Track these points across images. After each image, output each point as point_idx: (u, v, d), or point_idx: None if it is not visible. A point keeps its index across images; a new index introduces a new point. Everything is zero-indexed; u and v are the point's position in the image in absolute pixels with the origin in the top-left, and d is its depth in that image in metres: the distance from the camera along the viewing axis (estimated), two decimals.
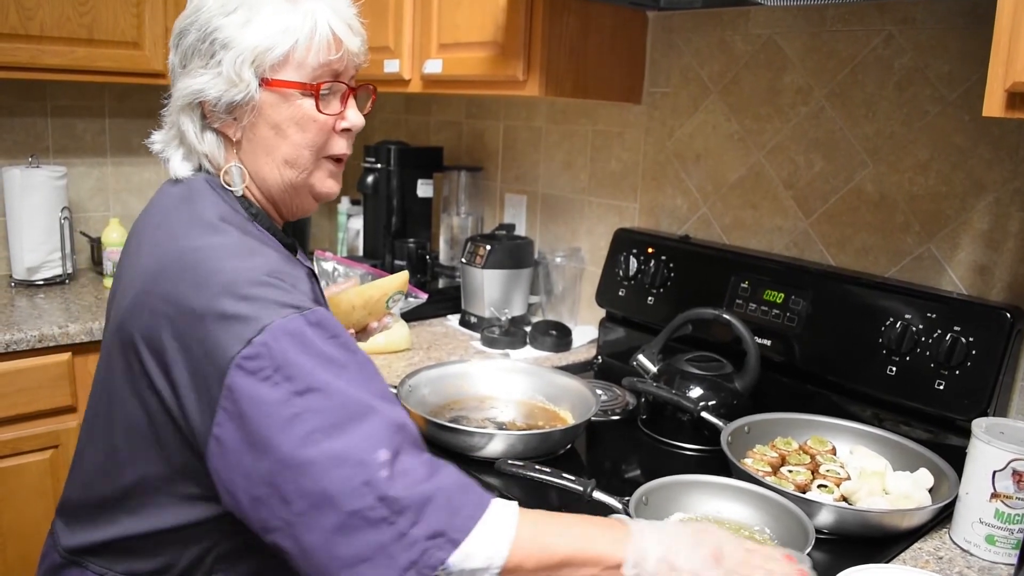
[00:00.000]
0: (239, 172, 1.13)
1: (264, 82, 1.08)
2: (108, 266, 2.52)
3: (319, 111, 1.12)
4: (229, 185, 1.13)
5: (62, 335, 2.11)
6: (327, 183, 1.20)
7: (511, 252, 2.30)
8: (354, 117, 1.18)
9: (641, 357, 1.81)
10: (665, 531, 1.01)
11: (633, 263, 2.06)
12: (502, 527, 0.94)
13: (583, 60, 2.00)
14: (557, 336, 2.22)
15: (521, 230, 2.59)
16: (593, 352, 2.24)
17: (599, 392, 1.85)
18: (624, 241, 2.12)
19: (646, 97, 2.18)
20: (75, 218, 2.69)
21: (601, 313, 2.23)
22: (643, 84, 2.18)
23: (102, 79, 2.42)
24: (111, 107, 2.79)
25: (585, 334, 2.31)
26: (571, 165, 2.42)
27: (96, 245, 2.72)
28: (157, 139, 1.18)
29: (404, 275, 1.64)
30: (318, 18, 1.09)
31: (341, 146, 1.18)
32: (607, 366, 2.14)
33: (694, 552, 0.98)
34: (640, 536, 0.99)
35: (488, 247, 2.28)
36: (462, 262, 2.35)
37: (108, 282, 2.51)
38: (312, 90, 1.11)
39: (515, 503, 0.98)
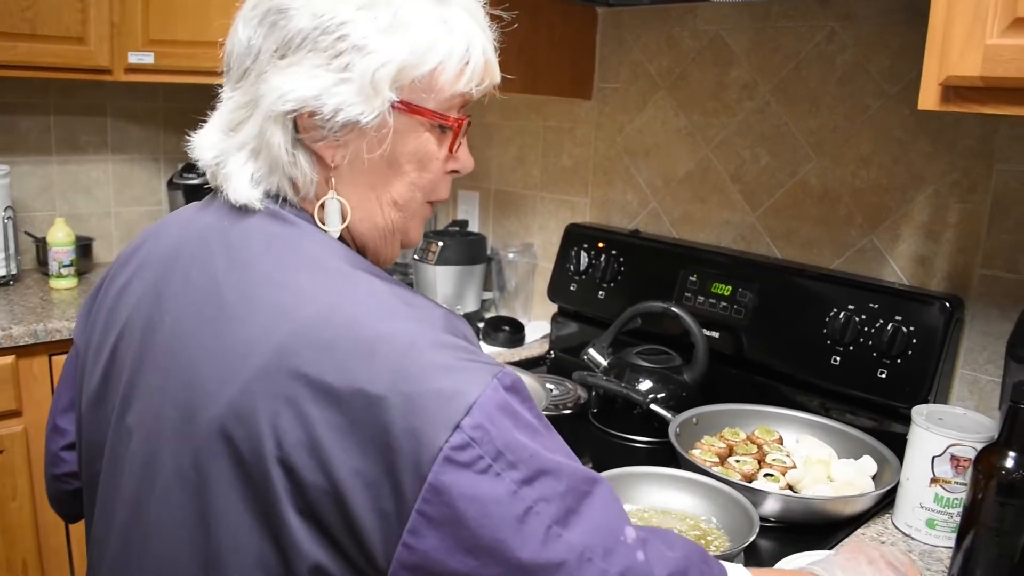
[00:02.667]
0: (339, 208, 0.89)
1: (401, 104, 0.86)
2: (54, 266, 2.47)
3: (450, 149, 0.93)
4: (323, 224, 0.89)
5: (5, 337, 2.07)
6: (420, 229, 0.98)
7: (464, 248, 2.31)
8: (467, 160, 0.97)
9: (591, 351, 1.82)
10: (849, 568, 0.99)
11: (584, 258, 2.07)
12: None
13: (533, 56, 2.01)
14: (510, 332, 2.23)
15: (474, 226, 2.59)
16: (546, 347, 2.24)
17: (550, 387, 1.86)
18: (575, 236, 2.13)
19: (596, 93, 2.19)
20: (19, 218, 2.64)
21: (554, 308, 2.24)
22: (593, 80, 2.19)
23: (46, 75, 2.38)
24: (56, 104, 2.74)
25: (538, 329, 2.32)
26: (523, 161, 2.43)
27: (41, 245, 2.68)
28: (208, 143, 0.91)
29: None
30: (472, 40, 0.88)
31: (446, 190, 0.97)
32: (560, 361, 2.15)
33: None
34: None
35: (440, 243, 2.28)
36: (414, 259, 2.35)
37: (55, 283, 2.47)
38: (453, 124, 0.90)
39: (740, 567, 0.91)
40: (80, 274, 2.57)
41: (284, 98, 0.83)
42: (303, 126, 0.85)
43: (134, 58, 2.39)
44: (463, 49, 0.87)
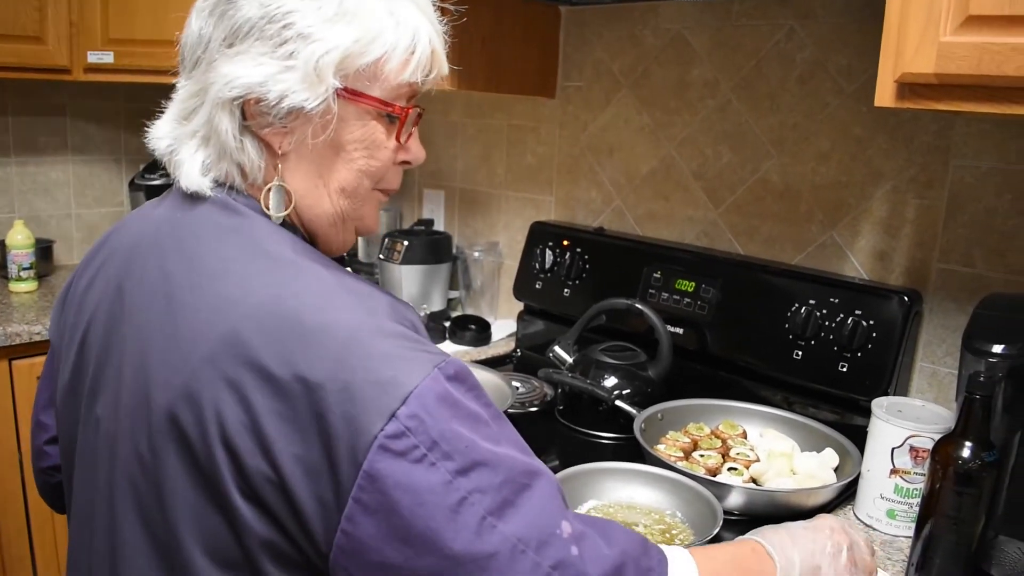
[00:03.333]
0: (282, 194, 0.90)
1: (345, 92, 0.87)
2: (13, 270, 2.44)
3: (397, 139, 0.94)
4: (268, 209, 0.90)
5: None
6: (375, 216, 1.00)
7: (429, 247, 2.30)
8: (417, 151, 0.99)
9: (557, 348, 1.82)
10: (793, 534, 1.00)
11: (549, 256, 2.08)
12: None
13: (497, 54, 2.01)
14: (476, 330, 2.23)
15: (440, 225, 2.59)
16: (512, 345, 2.25)
17: (516, 384, 1.86)
18: (540, 234, 2.14)
19: (560, 91, 2.20)
20: None
21: (520, 306, 2.24)
22: (557, 78, 2.20)
23: (3, 75, 2.34)
24: (14, 104, 2.70)
25: (505, 328, 2.33)
26: (488, 159, 2.43)
27: (0, 248, 2.64)
28: (162, 133, 0.93)
29: None
30: (419, 31, 0.90)
31: (397, 180, 1.00)
32: (526, 359, 2.16)
33: (821, 547, 0.99)
34: (781, 549, 0.97)
35: (406, 243, 2.28)
36: (380, 258, 2.34)
37: (15, 286, 2.44)
38: (399, 113, 0.92)
39: (680, 549, 0.90)
40: (40, 277, 2.54)
41: (231, 85, 0.85)
42: (250, 112, 0.86)
43: (93, 57, 2.36)
44: (409, 39, 0.89)
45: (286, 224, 0.91)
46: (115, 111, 2.89)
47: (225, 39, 0.87)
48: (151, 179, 2.66)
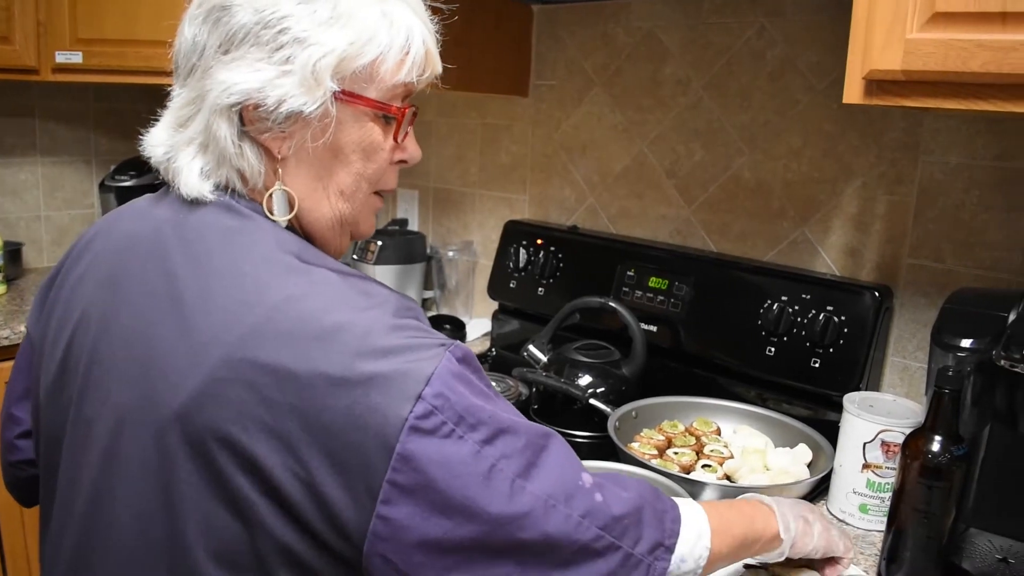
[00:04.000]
0: (285, 199, 0.91)
1: (343, 95, 0.88)
2: None
3: (394, 139, 0.95)
4: (271, 213, 0.90)
5: None
6: (371, 219, 1.01)
7: (403, 247, 2.30)
8: (414, 150, 1.00)
9: (531, 347, 1.82)
10: (783, 500, 1.11)
11: (523, 255, 2.08)
12: (699, 524, 0.93)
13: (470, 53, 2.01)
14: (451, 330, 2.23)
15: (414, 225, 2.58)
16: (487, 345, 2.25)
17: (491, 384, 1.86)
18: (514, 233, 2.13)
19: (533, 90, 2.20)
20: None
21: (495, 306, 2.24)
22: (529, 77, 2.19)
23: None
24: None
25: (480, 327, 2.32)
26: (462, 158, 2.43)
27: None
28: (158, 140, 0.92)
29: None
30: (413, 32, 0.91)
31: (393, 180, 1.01)
32: (501, 358, 2.16)
33: (806, 506, 1.13)
34: (779, 506, 1.08)
35: (380, 243, 2.27)
36: (353, 258, 2.33)
37: None
38: (396, 113, 0.93)
39: (688, 499, 0.99)
40: (9, 280, 2.50)
41: (228, 91, 0.85)
42: (248, 118, 0.87)
43: (61, 57, 2.33)
44: (403, 40, 0.90)
45: (287, 228, 0.92)
46: (84, 112, 2.85)
47: (220, 46, 0.87)
48: (121, 180, 2.63)
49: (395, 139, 0.95)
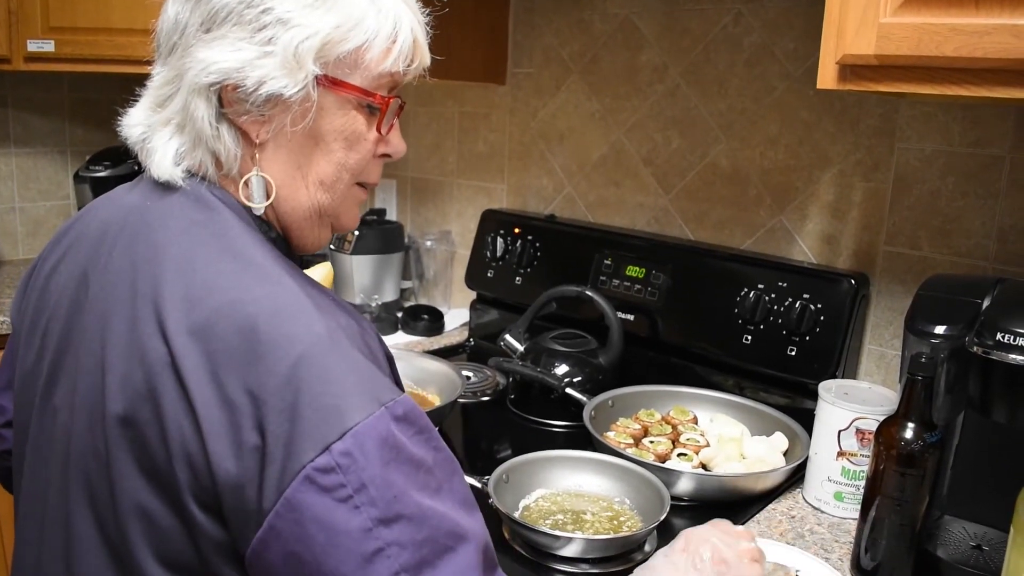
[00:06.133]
0: (262, 185, 0.88)
1: (325, 80, 0.85)
2: None
3: (378, 130, 0.92)
4: (248, 200, 0.88)
5: None
6: (353, 212, 0.97)
7: (380, 237, 2.27)
8: (398, 143, 0.97)
9: (508, 337, 1.81)
10: (655, 569, 0.99)
11: (501, 244, 2.06)
12: None
13: (447, 41, 1.98)
14: (429, 320, 2.21)
15: (392, 214, 2.56)
16: (466, 334, 2.23)
17: (467, 374, 1.85)
18: (491, 222, 2.12)
19: (510, 78, 2.18)
20: None
21: (474, 295, 2.22)
22: (507, 65, 2.18)
23: None
24: None
25: (459, 317, 2.31)
26: (439, 148, 2.41)
27: None
28: (135, 120, 0.90)
29: (328, 268, 1.59)
30: (401, 20, 0.89)
31: (377, 174, 0.97)
32: (479, 348, 2.14)
33: (683, 568, 0.98)
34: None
35: (356, 232, 2.25)
36: (331, 249, 2.31)
37: None
38: (380, 103, 0.90)
39: None
40: None
41: (207, 70, 0.82)
42: (227, 99, 0.84)
43: (33, 46, 2.29)
44: (390, 28, 0.87)
45: (258, 219, 0.89)
46: (59, 101, 2.82)
47: (202, 24, 0.84)
48: (96, 171, 2.60)
49: (378, 130, 0.92)
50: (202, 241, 0.82)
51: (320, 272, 1.55)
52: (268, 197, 0.89)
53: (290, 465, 0.70)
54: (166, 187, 0.87)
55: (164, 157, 0.87)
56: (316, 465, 0.69)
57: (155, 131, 0.88)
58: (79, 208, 2.71)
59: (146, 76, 0.92)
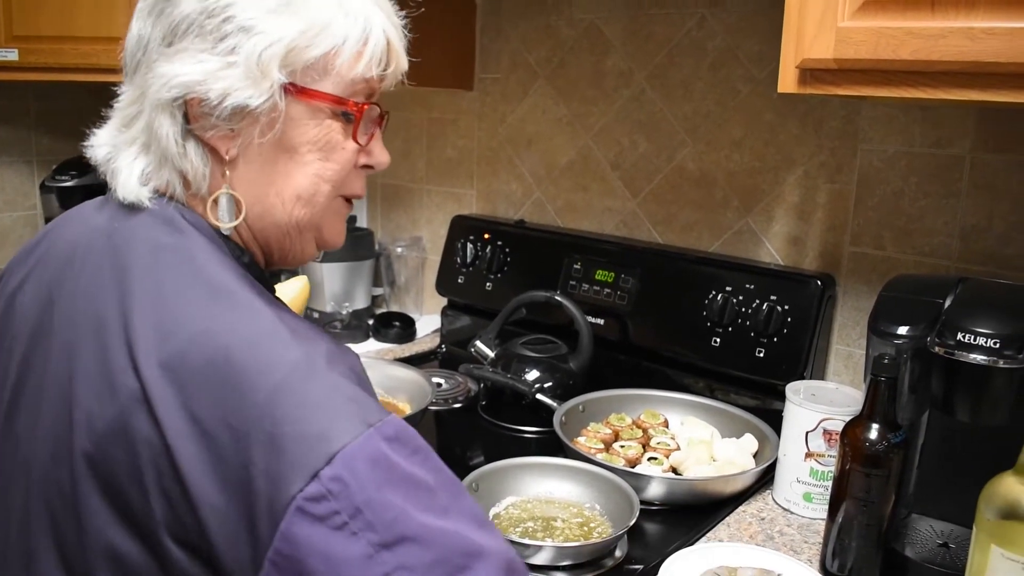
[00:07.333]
0: (231, 203, 0.85)
1: (293, 88, 0.82)
2: None
3: (355, 139, 0.88)
4: (217, 220, 0.85)
5: None
6: (337, 227, 0.94)
7: (351, 244, 2.26)
8: (380, 154, 0.94)
9: (479, 343, 1.81)
10: None
11: (471, 250, 2.06)
12: None
13: (413, 46, 1.98)
14: (400, 327, 2.20)
15: (362, 221, 2.55)
16: (437, 341, 2.23)
17: (438, 381, 1.85)
18: (461, 228, 2.12)
19: (477, 83, 2.18)
20: None
21: (445, 302, 2.22)
22: (474, 70, 2.17)
23: None
24: None
25: (431, 323, 2.30)
26: (408, 154, 2.40)
27: None
28: (101, 141, 0.87)
29: (304, 282, 1.57)
30: (372, 22, 0.85)
31: (360, 186, 0.93)
32: (451, 354, 2.14)
33: None
34: None
35: None
36: None
37: None
38: (354, 110, 0.86)
39: None
40: None
41: (169, 84, 0.80)
42: (193, 115, 0.81)
43: None
44: (360, 31, 0.84)
45: (230, 241, 0.86)
46: (23, 111, 2.78)
47: (164, 38, 0.82)
48: (62, 181, 2.57)
49: (355, 139, 0.88)
50: (170, 266, 0.79)
51: (296, 285, 1.53)
52: (239, 215, 0.85)
53: (279, 497, 0.66)
54: (133, 208, 0.84)
55: (129, 177, 0.84)
56: (306, 494, 0.66)
57: (120, 151, 0.86)
58: (46, 218, 2.69)
59: (112, 84, 0.90)
